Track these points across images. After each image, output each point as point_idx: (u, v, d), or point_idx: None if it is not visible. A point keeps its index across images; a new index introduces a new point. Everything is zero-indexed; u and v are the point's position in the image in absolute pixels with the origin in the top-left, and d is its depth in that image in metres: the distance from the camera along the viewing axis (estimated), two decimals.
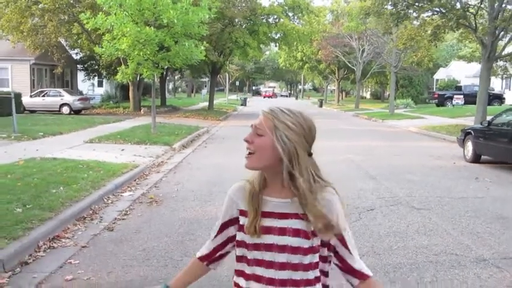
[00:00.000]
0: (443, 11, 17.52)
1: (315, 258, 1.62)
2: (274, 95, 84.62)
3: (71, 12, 22.93)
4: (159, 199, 7.45)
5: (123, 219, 6.37)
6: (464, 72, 42.06)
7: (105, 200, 7.26)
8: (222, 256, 1.83)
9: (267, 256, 1.61)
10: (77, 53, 32.69)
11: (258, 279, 1.63)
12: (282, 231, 1.60)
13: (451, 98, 35.74)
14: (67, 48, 31.19)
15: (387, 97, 42.35)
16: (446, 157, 12.58)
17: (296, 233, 1.59)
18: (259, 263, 1.63)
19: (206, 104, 37.14)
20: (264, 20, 32.07)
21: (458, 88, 39.00)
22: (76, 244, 5.28)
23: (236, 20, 29.89)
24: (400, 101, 39.78)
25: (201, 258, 1.84)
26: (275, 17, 32.65)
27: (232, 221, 1.74)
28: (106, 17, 14.17)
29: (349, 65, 44.73)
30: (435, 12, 18.40)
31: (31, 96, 25.70)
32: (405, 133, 20.44)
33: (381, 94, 59.80)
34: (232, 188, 1.76)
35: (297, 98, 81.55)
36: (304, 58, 54.67)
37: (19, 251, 4.78)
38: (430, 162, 11.74)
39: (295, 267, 1.59)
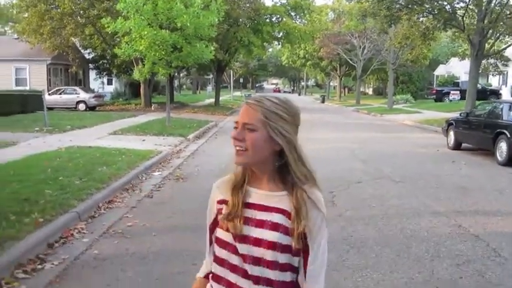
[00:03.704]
0: (433, 13, 19.00)
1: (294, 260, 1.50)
2: (279, 90, 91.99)
3: (87, 15, 24.52)
4: (184, 177, 9.01)
5: (158, 190, 7.92)
6: (463, 68, 43.25)
7: (140, 177, 8.82)
8: None
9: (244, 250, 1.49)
10: (89, 53, 34.31)
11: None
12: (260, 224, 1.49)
13: (448, 93, 37.13)
14: (80, 48, 32.83)
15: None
16: (432, 145, 14.09)
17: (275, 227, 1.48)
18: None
19: (212, 100, 38.66)
20: (268, 20, 33.53)
21: (456, 84, 40.33)
22: (127, 206, 6.83)
23: (241, 20, 31.35)
24: (400, 97, 41.22)
25: (206, 276, 1.66)
26: (278, 16, 34.12)
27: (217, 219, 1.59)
28: (125, 22, 15.74)
29: (351, 62, 46.19)
30: (425, 15, 19.89)
31: (49, 94, 27.29)
32: (400, 126, 21.94)
33: (383, 90, 61.15)
34: (215, 183, 1.66)
35: (299, 94, 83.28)
36: (306, 55, 56.20)
37: (87, 208, 6.34)
38: (416, 149, 13.26)
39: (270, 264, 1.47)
